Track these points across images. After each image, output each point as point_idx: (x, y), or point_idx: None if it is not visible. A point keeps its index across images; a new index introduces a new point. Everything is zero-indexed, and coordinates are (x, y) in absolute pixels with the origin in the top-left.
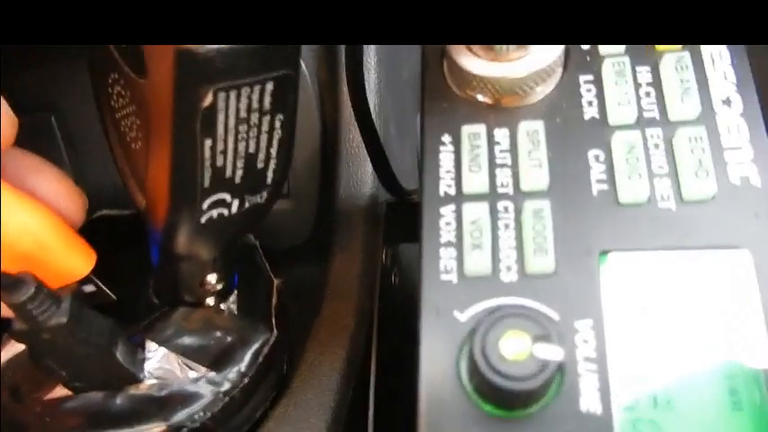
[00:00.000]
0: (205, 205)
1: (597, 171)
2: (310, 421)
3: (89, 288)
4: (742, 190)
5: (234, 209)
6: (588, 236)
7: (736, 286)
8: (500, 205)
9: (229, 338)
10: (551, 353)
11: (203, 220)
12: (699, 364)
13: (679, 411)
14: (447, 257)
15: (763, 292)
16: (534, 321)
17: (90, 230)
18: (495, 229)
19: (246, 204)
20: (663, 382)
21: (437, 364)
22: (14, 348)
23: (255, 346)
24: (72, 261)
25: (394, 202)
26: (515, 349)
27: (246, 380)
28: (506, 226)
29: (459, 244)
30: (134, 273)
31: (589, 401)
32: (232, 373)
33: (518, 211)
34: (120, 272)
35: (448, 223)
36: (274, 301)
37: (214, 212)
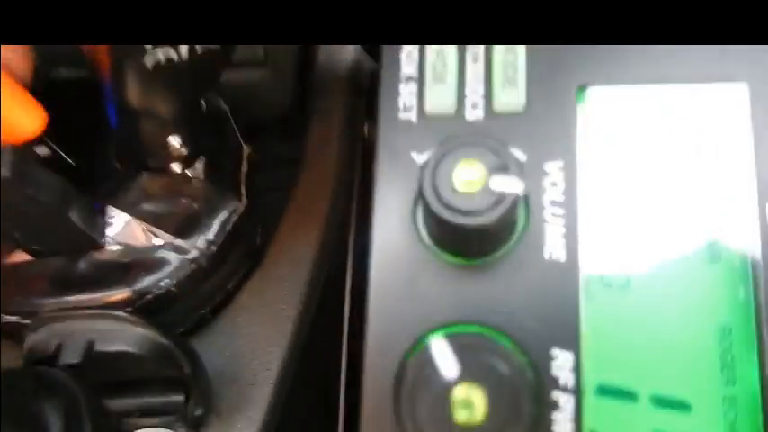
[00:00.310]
0: (149, 45)
1: None
2: (283, 294)
3: (43, 151)
4: None
5: (183, 53)
6: (566, 67)
7: (727, 126)
8: None
9: (196, 206)
10: (509, 185)
11: (149, 63)
12: (679, 217)
13: (650, 264)
14: (407, 93)
15: (756, 131)
16: (492, 151)
17: (47, 93)
18: (461, 60)
19: (198, 50)
20: (637, 234)
21: (392, 211)
22: None
23: (223, 215)
24: (19, 118)
25: None
26: (468, 181)
27: (214, 248)
28: (475, 57)
29: (420, 78)
30: (96, 139)
31: (554, 248)
32: (199, 240)
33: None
34: (81, 138)
35: (409, 54)
36: (244, 168)
37: (160, 55)
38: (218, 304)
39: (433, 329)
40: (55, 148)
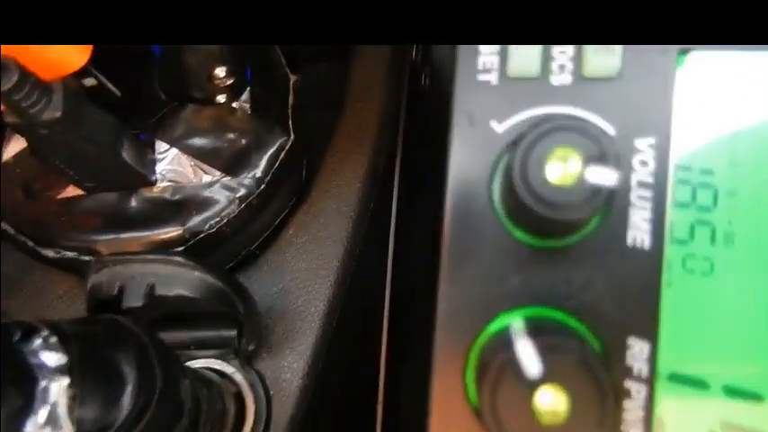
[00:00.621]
0: None
1: None
2: (330, 230)
3: (90, 82)
4: None
5: None
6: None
7: None
8: None
9: (244, 141)
10: (605, 177)
11: None
12: None
13: (738, 250)
14: (488, 52)
15: None
16: (590, 137)
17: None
18: None
19: None
20: (725, 214)
21: (467, 183)
22: (21, 143)
23: (272, 150)
24: (66, 49)
25: None
26: (563, 171)
27: (263, 186)
28: None
29: None
30: (140, 65)
31: (637, 233)
32: (248, 178)
33: None
34: (126, 66)
35: None
36: (291, 100)
37: None
38: (264, 240)
39: (506, 310)
40: (102, 78)
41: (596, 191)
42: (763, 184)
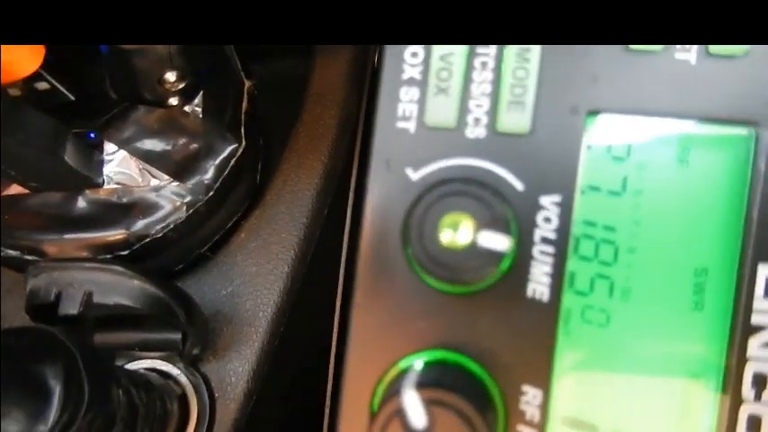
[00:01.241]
0: None
1: None
2: (281, 236)
3: (42, 86)
4: None
5: None
6: (579, 89)
7: (731, 172)
8: None
9: (194, 146)
10: (497, 242)
11: None
12: (668, 261)
13: (634, 303)
14: (407, 100)
15: (767, 183)
16: (483, 202)
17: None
18: (468, 70)
19: None
20: (624, 270)
21: (381, 226)
22: None
23: (222, 156)
24: (18, 55)
25: None
26: (456, 235)
27: (212, 192)
28: (483, 66)
29: (423, 84)
30: (91, 64)
31: (537, 287)
32: (196, 184)
33: (501, 47)
34: (79, 68)
35: (414, 54)
36: (245, 106)
37: None
38: (216, 242)
39: (412, 352)
40: (53, 82)
41: (489, 255)
42: (661, 243)
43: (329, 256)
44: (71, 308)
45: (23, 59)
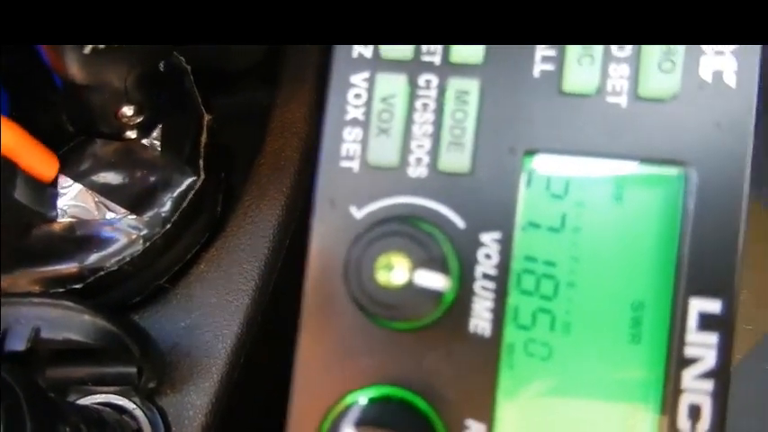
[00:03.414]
0: None
1: (545, 47)
2: (242, 267)
3: None
4: (711, 89)
5: None
6: (516, 130)
7: (666, 211)
8: (422, 79)
9: (152, 178)
10: (434, 281)
11: None
12: (605, 294)
13: (575, 336)
14: (351, 140)
15: (697, 220)
16: (420, 243)
17: None
18: (410, 111)
19: None
20: (564, 304)
21: (326, 263)
22: None
23: (180, 189)
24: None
25: None
26: (393, 275)
27: (169, 225)
28: (425, 107)
29: (366, 124)
30: (45, 96)
31: (479, 323)
32: (153, 216)
33: (441, 90)
34: (31, 95)
35: (357, 95)
36: (204, 138)
37: None
38: (175, 274)
39: (357, 388)
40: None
41: (426, 294)
42: (599, 278)
43: (291, 288)
44: (17, 344)
45: (41, 169)
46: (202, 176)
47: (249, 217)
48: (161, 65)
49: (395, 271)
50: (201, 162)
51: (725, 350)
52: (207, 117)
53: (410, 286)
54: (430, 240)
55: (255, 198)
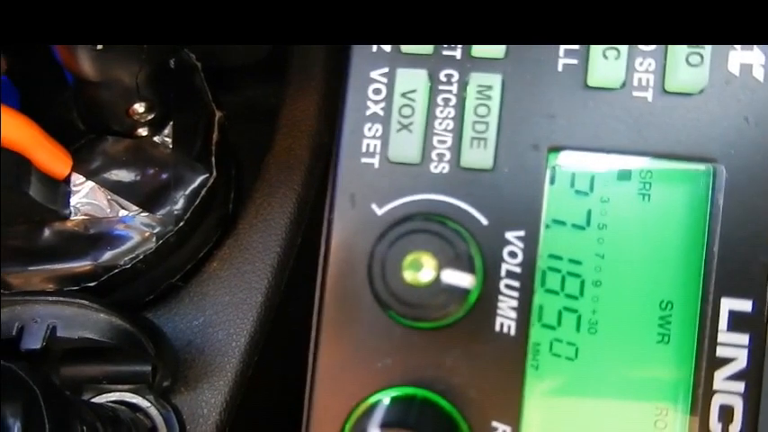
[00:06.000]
0: None
1: None
2: (255, 265)
3: None
4: (739, 83)
5: None
6: (540, 125)
7: (692, 207)
8: (442, 74)
9: (164, 176)
10: (460, 279)
11: None
12: (633, 294)
13: (602, 336)
14: (371, 136)
15: (725, 217)
16: (446, 240)
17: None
18: (431, 106)
19: None
20: (590, 303)
21: (347, 262)
22: None
23: (192, 187)
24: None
25: None
26: (419, 273)
27: (182, 223)
28: (446, 102)
29: (386, 120)
30: (57, 94)
31: (504, 321)
32: (166, 215)
33: (462, 85)
34: (43, 93)
35: (377, 91)
36: (215, 136)
37: None
38: (187, 272)
39: (380, 389)
40: None
41: (452, 292)
42: (625, 276)
43: (304, 285)
44: (33, 342)
45: (54, 167)
46: (215, 174)
47: (261, 215)
48: (171, 62)
49: (422, 270)
50: (213, 159)
51: (757, 350)
52: (218, 114)
53: (437, 284)
54: (457, 238)
55: (266, 196)
